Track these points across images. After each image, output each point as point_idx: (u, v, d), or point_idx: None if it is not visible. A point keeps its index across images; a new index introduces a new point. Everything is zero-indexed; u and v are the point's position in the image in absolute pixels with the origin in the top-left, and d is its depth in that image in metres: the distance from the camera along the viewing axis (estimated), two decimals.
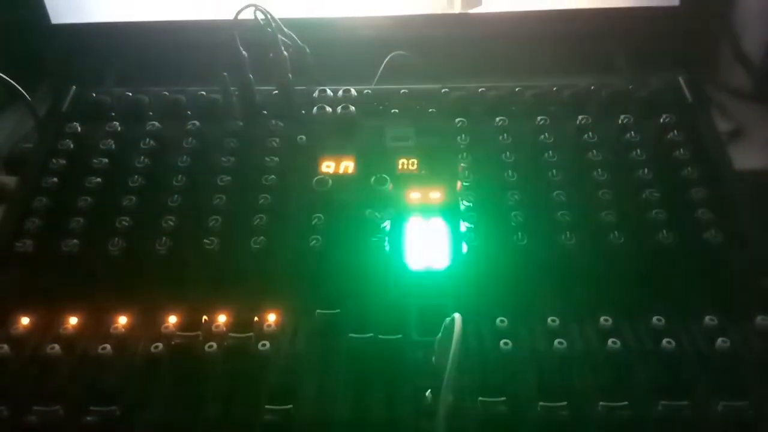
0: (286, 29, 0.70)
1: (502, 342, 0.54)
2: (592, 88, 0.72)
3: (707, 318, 0.56)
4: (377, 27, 0.84)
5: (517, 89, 0.72)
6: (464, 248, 0.61)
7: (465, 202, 0.63)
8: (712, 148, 0.68)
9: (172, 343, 0.56)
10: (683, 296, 0.58)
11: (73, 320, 0.58)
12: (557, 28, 0.85)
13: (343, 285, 0.59)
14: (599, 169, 0.65)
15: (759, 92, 0.85)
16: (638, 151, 0.66)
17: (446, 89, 0.73)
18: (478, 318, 0.56)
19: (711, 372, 0.53)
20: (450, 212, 0.63)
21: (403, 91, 0.73)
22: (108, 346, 0.55)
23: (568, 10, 0.84)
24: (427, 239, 0.62)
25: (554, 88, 0.72)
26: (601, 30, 0.85)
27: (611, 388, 0.52)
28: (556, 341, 0.55)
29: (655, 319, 0.56)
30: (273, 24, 0.68)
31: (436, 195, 0.65)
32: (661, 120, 0.69)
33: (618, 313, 0.57)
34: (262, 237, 0.61)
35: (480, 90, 0.72)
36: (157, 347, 0.55)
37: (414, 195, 0.65)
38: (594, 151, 0.66)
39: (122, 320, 0.58)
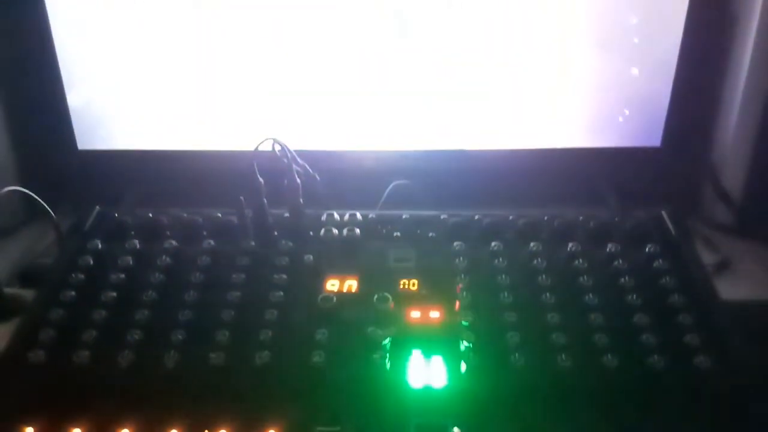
0: (299, 159, 0.76)
1: None
2: (581, 218, 0.77)
3: None
4: (381, 159, 0.91)
5: (510, 217, 0.77)
6: (463, 367, 0.62)
7: (463, 322, 0.66)
8: (697, 278, 0.71)
9: None
10: (676, 420, 0.59)
11: None
12: (548, 164, 0.91)
13: (344, 401, 0.60)
14: (590, 294, 0.68)
15: (741, 227, 0.90)
16: (626, 277, 0.70)
17: (445, 215, 0.78)
18: None
19: None
20: (449, 331, 0.66)
21: (404, 216, 0.78)
22: None
23: (557, 148, 0.91)
24: (426, 357, 0.63)
25: (545, 218, 0.77)
26: (588, 166, 0.92)
27: None
28: None
29: None
30: (288, 155, 0.74)
31: (435, 314, 0.67)
32: (647, 249, 0.73)
33: None
34: (266, 351, 0.63)
35: (476, 217, 0.77)
36: None
37: (414, 314, 0.67)
38: (585, 276, 0.70)
39: None
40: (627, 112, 0.89)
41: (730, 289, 0.76)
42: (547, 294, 0.68)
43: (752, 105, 0.84)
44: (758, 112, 0.84)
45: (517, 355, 0.63)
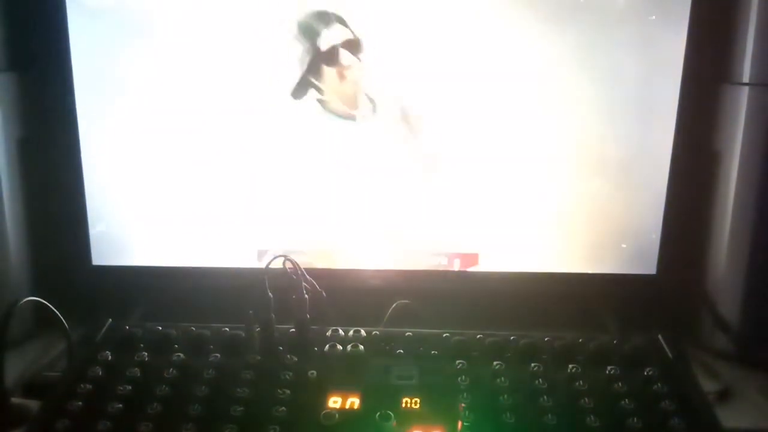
0: (308, 276, 0.79)
1: None
2: (580, 340, 0.79)
3: None
4: (385, 278, 0.94)
5: (511, 337, 0.79)
6: None
7: None
8: (697, 403, 0.72)
9: None
10: None
11: None
12: (546, 287, 0.94)
13: None
14: (591, 416, 0.68)
15: (741, 355, 0.90)
16: (626, 400, 0.70)
17: (447, 334, 0.80)
18: None
19: None
20: None
21: (407, 334, 0.80)
22: None
23: (555, 273, 0.95)
24: None
25: (545, 339, 0.79)
26: (586, 291, 0.94)
27: None
28: None
29: None
30: (299, 271, 0.77)
31: None
32: (645, 373, 0.74)
33: None
34: None
35: (478, 336, 0.79)
36: None
37: None
38: (586, 398, 0.70)
39: None
40: (623, 244, 0.94)
41: (732, 418, 0.75)
42: (549, 415, 0.68)
43: (741, 235, 0.88)
44: (747, 242, 0.88)
45: None
